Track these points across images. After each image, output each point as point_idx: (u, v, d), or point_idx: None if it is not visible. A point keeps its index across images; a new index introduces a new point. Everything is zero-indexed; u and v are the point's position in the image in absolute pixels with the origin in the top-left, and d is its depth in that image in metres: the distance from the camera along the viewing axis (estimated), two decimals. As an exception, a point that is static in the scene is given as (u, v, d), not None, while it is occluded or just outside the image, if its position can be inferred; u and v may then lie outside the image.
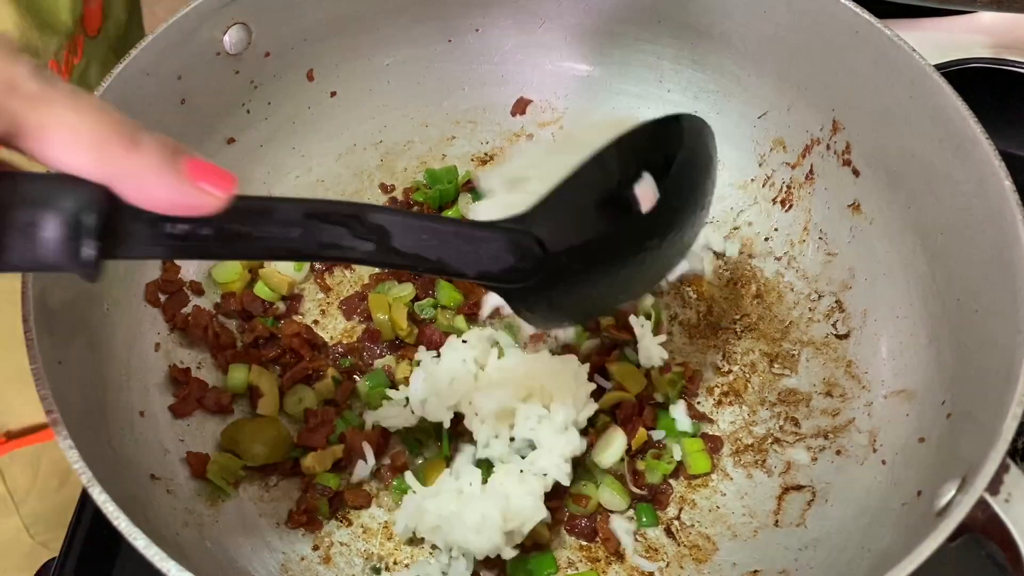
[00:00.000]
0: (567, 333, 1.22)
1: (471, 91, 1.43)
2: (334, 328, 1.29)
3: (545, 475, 1.10)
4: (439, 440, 1.17)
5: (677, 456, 1.18)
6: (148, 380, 1.16)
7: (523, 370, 1.14)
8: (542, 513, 1.09)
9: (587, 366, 1.18)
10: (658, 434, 1.19)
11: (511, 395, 1.12)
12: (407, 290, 1.26)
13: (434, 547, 1.12)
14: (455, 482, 1.10)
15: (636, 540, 1.14)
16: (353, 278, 1.32)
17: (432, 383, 1.14)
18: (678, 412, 1.20)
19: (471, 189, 1.39)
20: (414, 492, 1.12)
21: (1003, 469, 0.88)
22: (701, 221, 1.02)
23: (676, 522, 1.16)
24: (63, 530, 1.64)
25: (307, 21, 1.30)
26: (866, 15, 1.17)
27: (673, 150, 0.96)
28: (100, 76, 1.33)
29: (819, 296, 1.28)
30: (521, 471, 1.10)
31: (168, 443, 1.13)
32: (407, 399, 1.17)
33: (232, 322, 1.27)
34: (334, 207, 0.78)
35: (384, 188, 1.40)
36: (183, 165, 0.68)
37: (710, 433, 1.21)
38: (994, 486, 0.88)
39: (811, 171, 1.31)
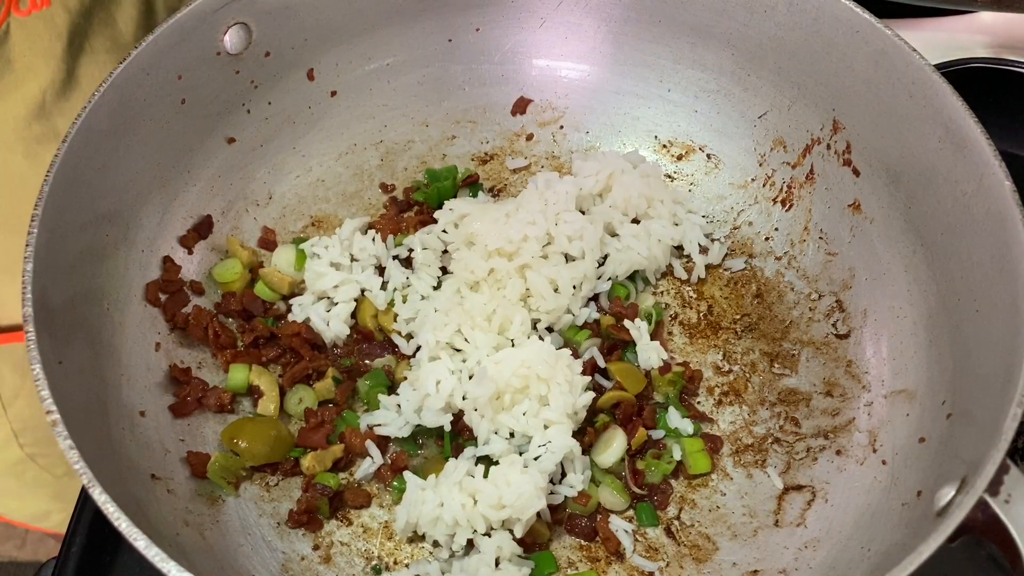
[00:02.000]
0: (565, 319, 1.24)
1: (471, 91, 1.43)
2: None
3: (538, 458, 1.12)
4: (439, 440, 1.17)
5: (677, 456, 1.18)
6: (148, 380, 1.16)
7: (519, 359, 1.14)
8: (541, 503, 1.09)
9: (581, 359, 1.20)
10: (658, 434, 1.20)
11: (506, 382, 1.13)
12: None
13: (436, 544, 1.12)
14: (455, 475, 1.11)
15: (636, 540, 1.14)
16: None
17: (422, 390, 1.15)
18: (673, 417, 1.20)
19: (470, 184, 1.39)
20: (413, 486, 1.12)
21: (1003, 470, 0.88)
22: None
23: (676, 522, 1.16)
24: (52, 446, 1.65)
25: (307, 21, 1.30)
26: (866, 15, 1.17)
27: None
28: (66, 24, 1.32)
29: (819, 296, 1.28)
30: (526, 467, 1.10)
31: (168, 443, 1.13)
32: (399, 405, 1.17)
33: (232, 322, 1.27)
34: None
35: (384, 188, 1.40)
36: None
37: (710, 433, 1.21)
38: (994, 487, 0.88)
39: (811, 171, 1.31)
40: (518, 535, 1.09)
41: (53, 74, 1.27)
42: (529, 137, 1.44)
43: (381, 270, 1.30)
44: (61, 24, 1.26)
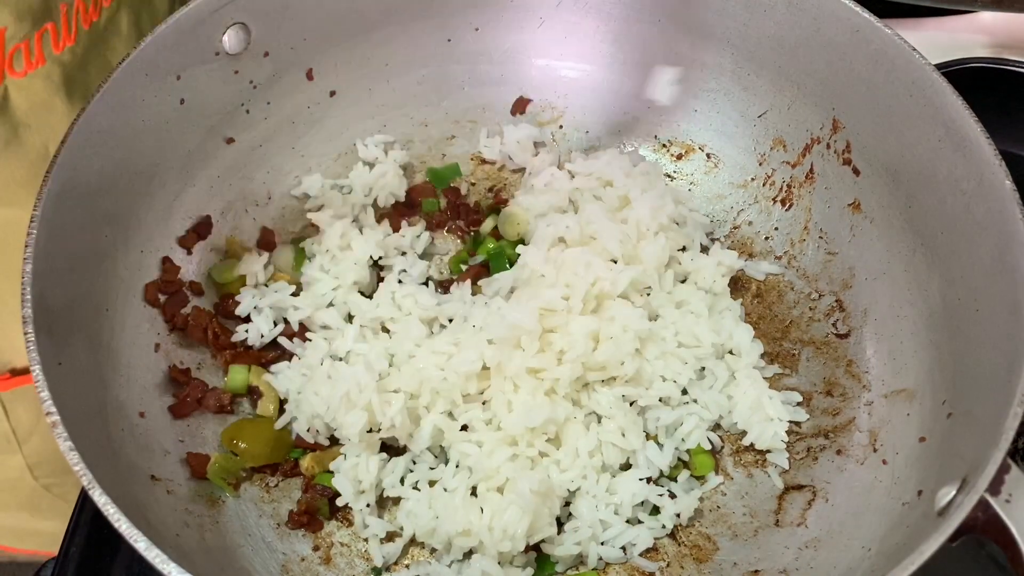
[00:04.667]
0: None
1: (471, 90, 1.43)
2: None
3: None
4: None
5: (678, 456, 1.18)
6: (148, 380, 1.16)
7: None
8: (551, 530, 1.09)
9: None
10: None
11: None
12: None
13: (434, 548, 1.12)
14: (454, 489, 1.10)
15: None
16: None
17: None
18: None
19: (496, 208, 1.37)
20: (406, 499, 1.12)
21: (1004, 469, 0.88)
22: None
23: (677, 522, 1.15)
24: (66, 475, 1.65)
25: (306, 21, 1.29)
26: (866, 14, 1.17)
27: None
28: (130, 22, 1.33)
29: (819, 295, 1.28)
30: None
31: (168, 444, 1.13)
32: None
33: (232, 323, 1.26)
34: None
35: (384, 188, 1.40)
36: None
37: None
38: (995, 486, 0.88)
39: (811, 170, 1.31)
40: (519, 549, 1.09)
41: (55, 127, 1.26)
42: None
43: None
44: (57, 79, 1.24)
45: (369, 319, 1.21)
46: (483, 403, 1.14)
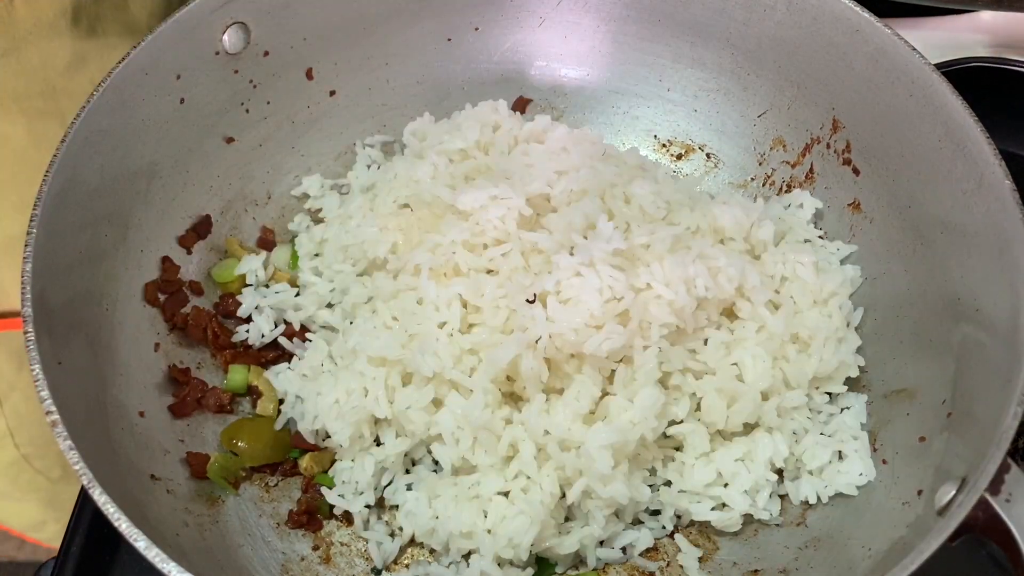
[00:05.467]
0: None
1: (470, 90, 1.43)
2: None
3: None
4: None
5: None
6: (148, 380, 1.16)
7: None
8: (555, 540, 1.09)
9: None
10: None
11: None
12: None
13: (433, 549, 1.12)
14: (452, 488, 1.10)
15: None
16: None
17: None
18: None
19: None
20: (411, 499, 1.12)
21: (1004, 469, 0.88)
22: None
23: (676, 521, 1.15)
24: (47, 447, 1.59)
25: (306, 20, 1.30)
26: (866, 14, 1.17)
27: None
28: None
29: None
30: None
31: (168, 443, 1.13)
32: None
33: (231, 322, 1.26)
34: None
35: (384, 187, 1.40)
36: None
37: (710, 432, 1.21)
38: (995, 486, 0.88)
39: (811, 170, 1.31)
40: (523, 558, 1.08)
41: (57, 50, 1.26)
42: (528, 137, 1.44)
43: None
44: (67, 1, 1.24)
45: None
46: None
